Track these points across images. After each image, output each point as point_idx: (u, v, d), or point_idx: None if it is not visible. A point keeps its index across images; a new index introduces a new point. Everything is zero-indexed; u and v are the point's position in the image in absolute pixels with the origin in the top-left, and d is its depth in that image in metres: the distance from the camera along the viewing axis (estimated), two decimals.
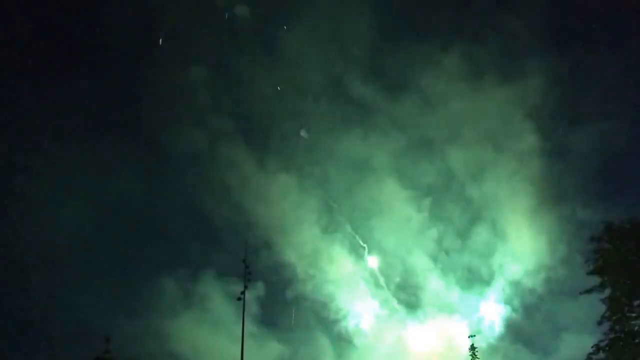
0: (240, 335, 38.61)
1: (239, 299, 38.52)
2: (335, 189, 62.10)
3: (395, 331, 57.34)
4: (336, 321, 57.36)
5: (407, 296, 59.60)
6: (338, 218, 60.96)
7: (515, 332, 57.52)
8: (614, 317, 35.03)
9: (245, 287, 38.51)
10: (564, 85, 62.70)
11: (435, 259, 60.75)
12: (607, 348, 35.03)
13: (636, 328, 34.56)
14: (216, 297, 54.89)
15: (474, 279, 60.29)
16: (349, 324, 57.36)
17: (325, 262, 58.77)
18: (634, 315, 34.83)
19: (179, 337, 51.02)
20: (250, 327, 49.76)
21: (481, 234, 61.48)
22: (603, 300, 35.47)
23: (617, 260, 35.14)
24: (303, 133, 62.29)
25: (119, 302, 53.74)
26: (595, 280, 35.61)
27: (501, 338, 57.08)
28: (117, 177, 57.58)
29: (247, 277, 39.28)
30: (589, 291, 35.70)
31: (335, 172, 62.11)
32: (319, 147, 63.08)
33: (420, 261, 60.25)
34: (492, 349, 54.82)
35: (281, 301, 57.35)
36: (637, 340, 34.37)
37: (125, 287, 54.98)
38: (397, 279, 60.27)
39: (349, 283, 58.96)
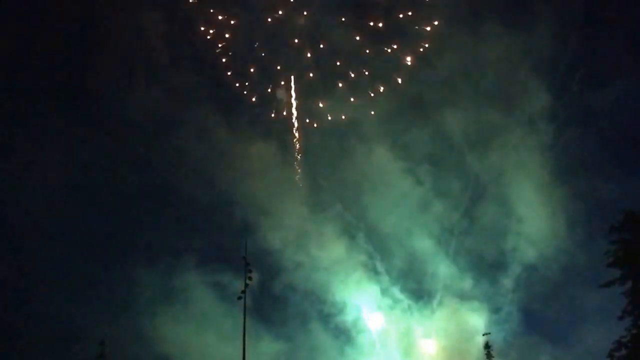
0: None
1: (239, 298, 36.35)
2: (321, 161, 55.91)
3: (401, 323, 52.25)
4: (333, 314, 52.27)
5: (412, 283, 54.00)
6: (326, 196, 55.64)
7: (533, 323, 52.13)
8: (635, 312, 33.13)
9: (246, 286, 36.32)
10: (580, 34, 52.83)
11: (439, 241, 54.42)
12: (629, 344, 33.18)
13: None
14: (199, 288, 50.56)
15: (485, 264, 53.96)
16: (348, 317, 52.28)
17: (316, 247, 53.10)
18: None
19: (163, 337, 46.86)
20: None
21: (488, 213, 54.62)
22: (624, 294, 33.59)
23: (637, 251, 33.12)
24: (279, 94, 55.74)
25: (92, 299, 49.81)
26: (616, 272, 33.68)
27: (518, 330, 51.72)
28: (79, 154, 52.96)
29: (248, 274, 37.24)
30: (609, 284, 33.74)
31: (319, 142, 55.66)
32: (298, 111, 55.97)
33: (422, 243, 53.97)
34: (509, 342, 49.84)
35: (270, 293, 51.57)
36: None
37: (96, 282, 50.59)
38: (399, 264, 54.32)
39: (343, 270, 53.09)
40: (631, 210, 34.14)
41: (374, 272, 53.86)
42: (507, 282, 52.63)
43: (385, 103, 54.53)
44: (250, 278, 36.70)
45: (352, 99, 54.93)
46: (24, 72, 52.64)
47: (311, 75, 55.56)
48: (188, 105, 55.21)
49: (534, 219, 52.99)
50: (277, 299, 51.38)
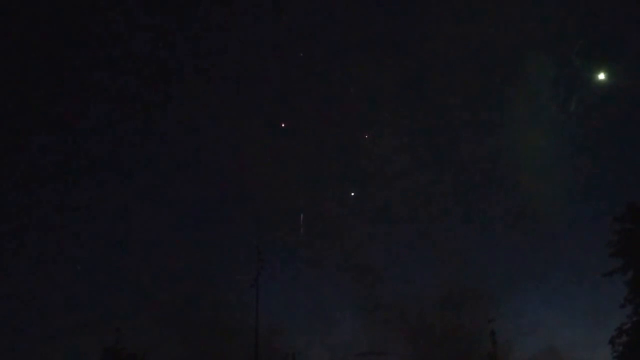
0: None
1: (252, 285, 37.50)
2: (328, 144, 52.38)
3: None
4: None
5: None
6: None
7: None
8: (637, 300, 34.32)
9: (259, 274, 37.43)
10: None
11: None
12: (630, 331, 34.36)
13: None
14: None
15: None
16: None
17: None
18: None
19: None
20: None
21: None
22: (626, 283, 34.74)
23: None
24: None
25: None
26: (617, 261, 34.81)
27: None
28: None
29: (260, 264, 38.40)
30: (611, 273, 34.88)
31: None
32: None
33: None
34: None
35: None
36: None
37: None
38: None
39: None
40: (633, 202, 35.23)
41: None
42: None
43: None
44: (262, 267, 37.96)
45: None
46: None
47: None
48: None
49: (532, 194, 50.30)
50: None
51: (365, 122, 52.01)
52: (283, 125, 50.59)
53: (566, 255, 47.25)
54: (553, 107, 50.79)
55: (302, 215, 46.44)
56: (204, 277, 44.51)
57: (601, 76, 47.82)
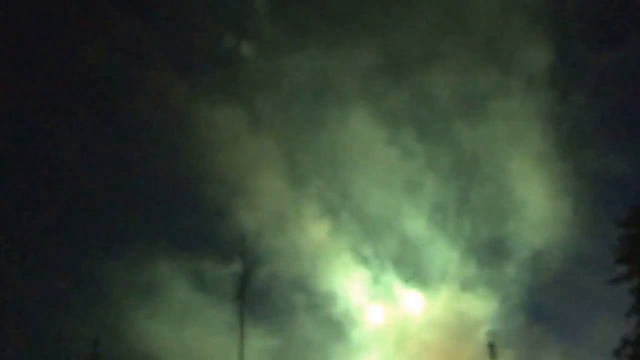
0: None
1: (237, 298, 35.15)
2: (295, 127, 50.52)
3: (395, 313, 49.03)
4: (320, 306, 48.01)
5: (405, 269, 49.93)
6: (303, 170, 50.45)
7: (539, 315, 48.70)
8: None
9: (244, 285, 35.13)
10: None
11: (432, 223, 49.83)
12: (635, 343, 32.70)
13: None
14: (175, 278, 46.51)
15: (485, 249, 50.07)
16: (337, 309, 48.12)
17: (295, 229, 48.73)
18: None
19: (142, 334, 43.35)
20: (226, 316, 43.68)
21: (483, 192, 50.08)
22: (631, 291, 33.01)
23: None
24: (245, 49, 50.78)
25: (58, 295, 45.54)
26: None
27: (524, 321, 47.98)
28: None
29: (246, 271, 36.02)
30: (617, 281, 33.14)
31: (290, 101, 50.19)
32: (264, 69, 50.44)
33: (414, 225, 49.56)
34: (514, 335, 47.31)
35: (251, 282, 45.87)
36: None
37: (55, 278, 45.92)
38: (391, 247, 50.06)
39: (328, 255, 48.63)
40: (638, 206, 33.50)
41: (361, 257, 49.94)
42: (511, 270, 49.47)
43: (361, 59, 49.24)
44: (248, 277, 35.58)
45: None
46: None
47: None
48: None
49: (533, 199, 49.14)
50: (259, 289, 46.01)
51: None
52: None
53: None
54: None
55: None
56: None
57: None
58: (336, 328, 48.10)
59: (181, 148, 48.81)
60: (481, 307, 47.68)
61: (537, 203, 49.20)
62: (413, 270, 50.06)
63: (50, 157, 48.44)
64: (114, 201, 49.05)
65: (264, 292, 46.24)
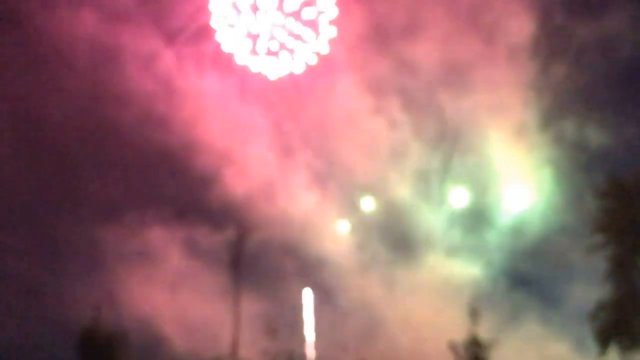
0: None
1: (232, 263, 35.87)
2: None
3: (382, 280, 51.98)
4: (311, 272, 48.61)
5: (392, 236, 50.76)
6: (291, 139, 50.82)
7: (521, 281, 49.51)
8: (617, 277, 34.41)
9: (239, 252, 35.90)
10: None
11: (417, 191, 50.70)
12: (609, 308, 34.58)
13: None
14: (169, 245, 46.72)
15: (468, 217, 51.00)
16: (326, 275, 48.59)
17: (285, 198, 49.11)
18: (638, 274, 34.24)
19: (137, 300, 44.39)
20: (219, 282, 45.31)
21: (466, 161, 51.00)
22: (607, 259, 34.75)
23: (622, 218, 34.12)
24: None
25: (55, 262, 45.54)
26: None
27: (505, 287, 49.28)
28: None
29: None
30: (594, 249, 34.83)
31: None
32: None
33: (402, 192, 50.21)
34: (495, 297, 49.33)
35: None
36: None
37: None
38: (378, 216, 50.92)
39: (317, 223, 49.06)
40: (615, 177, 34.90)
41: (350, 225, 51.15)
42: (493, 237, 50.93)
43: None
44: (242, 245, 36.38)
45: None
46: None
47: None
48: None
49: (514, 169, 50.12)
50: (250, 256, 47.02)
51: None
52: None
53: None
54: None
55: None
56: None
57: None
58: (326, 292, 49.52)
59: (171, 116, 49.00)
60: (465, 273, 50.25)
61: (518, 172, 50.90)
62: (398, 236, 51.30)
63: (39, 126, 48.64)
64: (105, 169, 49.31)
65: (255, 258, 47.28)
